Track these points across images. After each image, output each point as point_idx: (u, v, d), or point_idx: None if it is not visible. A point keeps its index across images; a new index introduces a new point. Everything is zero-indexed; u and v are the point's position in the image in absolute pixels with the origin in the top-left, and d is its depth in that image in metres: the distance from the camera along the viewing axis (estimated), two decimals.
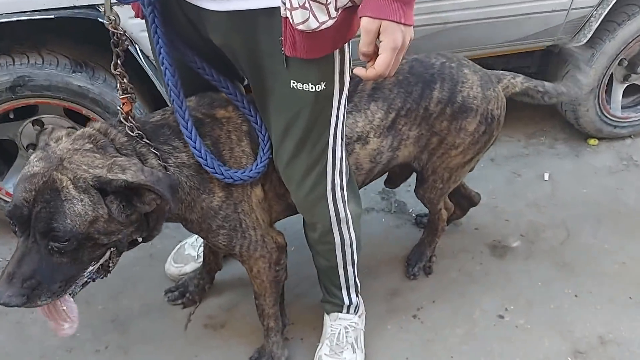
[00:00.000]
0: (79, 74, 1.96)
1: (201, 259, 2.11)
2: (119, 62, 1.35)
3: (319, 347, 1.90)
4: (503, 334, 2.01)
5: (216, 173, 1.44)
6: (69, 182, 1.23)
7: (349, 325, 1.89)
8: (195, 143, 1.41)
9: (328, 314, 1.91)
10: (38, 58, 1.91)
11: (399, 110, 1.68)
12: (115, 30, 1.31)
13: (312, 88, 1.32)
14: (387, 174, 2.02)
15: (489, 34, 2.39)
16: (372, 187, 2.57)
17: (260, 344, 1.91)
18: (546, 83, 1.95)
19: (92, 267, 1.33)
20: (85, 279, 1.34)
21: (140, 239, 1.42)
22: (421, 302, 2.12)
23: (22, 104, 1.98)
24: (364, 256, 2.24)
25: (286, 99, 1.36)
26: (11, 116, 2.07)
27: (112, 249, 1.35)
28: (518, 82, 1.90)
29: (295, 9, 1.16)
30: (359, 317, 1.94)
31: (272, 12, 1.23)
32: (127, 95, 1.37)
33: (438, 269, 2.25)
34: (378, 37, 1.15)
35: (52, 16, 1.79)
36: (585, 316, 2.06)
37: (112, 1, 1.28)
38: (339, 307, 1.89)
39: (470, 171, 2.00)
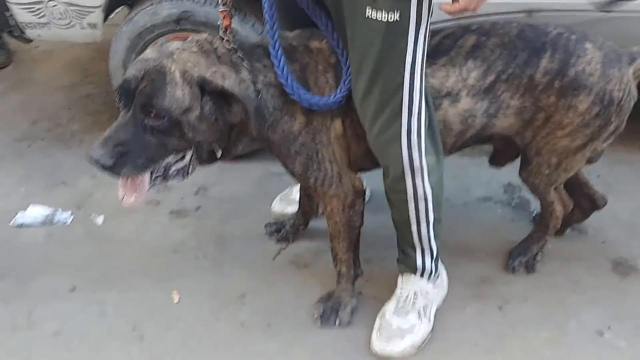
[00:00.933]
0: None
1: None
2: None
3: (387, 302, 1.89)
4: (596, 351, 1.79)
5: (294, 95, 1.53)
6: (177, 70, 1.41)
7: (419, 291, 1.85)
8: (279, 63, 1.51)
9: (401, 274, 1.89)
10: None
11: (499, 74, 1.62)
12: None
13: (384, 17, 1.34)
14: (492, 151, 1.92)
15: None
16: (497, 178, 2.48)
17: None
18: None
19: (172, 160, 1.49)
20: (163, 173, 1.50)
21: (219, 154, 1.56)
22: (511, 296, 1.97)
23: (182, 36, 2.28)
24: (464, 239, 2.19)
25: (361, 29, 1.41)
26: None
27: (192, 151, 1.50)
28: None
29: None
30: (434, 288, 1.88)
31: None
32: (226, 9, 1.51)
33: (544, 270, 2.06)
34: None
35: None
36: None
37: None
38: (411, 268, 1.85)
39: (589, 163, 1.81)
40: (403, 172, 1.63)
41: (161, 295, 2.02)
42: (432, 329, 1.84)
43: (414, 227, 1.75)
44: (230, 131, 1.53)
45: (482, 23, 1.67)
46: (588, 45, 1.62)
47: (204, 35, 1.55)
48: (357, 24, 1.42)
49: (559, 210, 1.97)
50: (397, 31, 1.39)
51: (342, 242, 1.81)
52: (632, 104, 1.68)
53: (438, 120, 1.64)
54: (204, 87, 1.42)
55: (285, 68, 1.52)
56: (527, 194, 2.41)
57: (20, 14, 2.39)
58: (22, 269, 2.13)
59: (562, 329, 1.85)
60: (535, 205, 2.34)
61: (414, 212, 1.71)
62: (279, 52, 1.52)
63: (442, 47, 1.64)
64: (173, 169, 1.53)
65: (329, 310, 1.88)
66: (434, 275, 1.88)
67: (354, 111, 1.61)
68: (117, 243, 2.25)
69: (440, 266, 1.93)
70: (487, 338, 1.84)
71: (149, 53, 1.48)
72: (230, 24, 1.53)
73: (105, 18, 2.46)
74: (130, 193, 1.48)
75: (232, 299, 1.99)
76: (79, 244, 2.25)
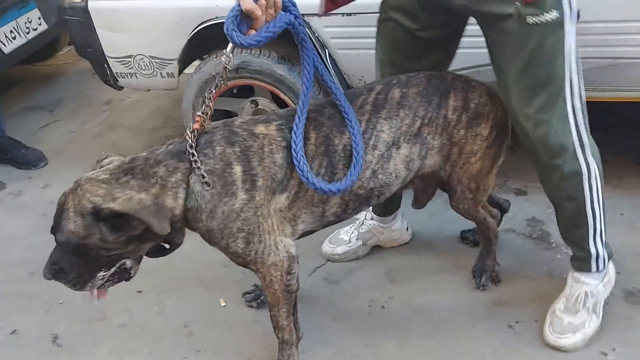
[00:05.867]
0: (282, 65, 2.60)
1: (352, 243, 2.47)
2: (214, 90, 1.68)
3: (556, 300, 2.07)
4: None
5: (309, 184, 1.68)
6: (72, 204, 1.57)
7: (589, 291, 2.02)
8: (297, 153, 1.67)
9: (572, 272, 2.07)
10: (256, 50, 2.61)
11: (422, 119, 1.84)
12: (226, 66, 1.64)
13: (545, 18, 1.64)
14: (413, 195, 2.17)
15: None
16: (520, 214, 2.64)
17: (365, 306, 2.20)
18: None
19: (106, 272, 1.66)
20: (103, 280, 1.68)
21: (167, 246, 1.75)
22: (523, 317, 2.13)
23: (241, 82, 2.68)
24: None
25: (514, 31, 1.69)
26: (235, 91, 2.81)
27: (125, 259, 1.68)
28: None
29: None
30: (604, 285, 2.06)
31: None
32: (202, 116, 1.68)
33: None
34: None
35: None
36: None
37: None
38: (585, 263, 2.02)
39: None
40: (575, 151, 1.84)
41: (211, 300, 2.35)
42: (600, 322, 2.02)
43: (588, 210, 1.92)
44: (143, 237, 1.62)
45: (399, 77, 1.90)
46: (474, 83, 1.93)
47: (129, 157, 1.72)
48: (509, 27, 1.70)
49: (491, 221, 2.21)
50: (557, 25, 1.68)
51: (282, 309, 1.88)
52: None
53: (391, 172, 1.86)
54: (97, 215, 1.55)
55: (301, 157, 1.67)
56: (547, 227, 2.56)
57: (115, 65, 2.92)
58: None
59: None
60: (555, 238, 2.49)
61: (589, 193, 1.89)
62: (299, 144, 1.68)
63: (379, 103, 1.84)
64: (105, 273, 1.68)
65: None
66: (606, 263, 2.04)
67: (301, 185, 1.74)
68: (179, 257, 2.60)
69: (610, 264, 2.10)
70: (497, 354, 2.01)
71: (71, 184, 1.65)
72: (199, 127, 1.69)
73: (182, 70, 2.94)
74: (92, 293, 1.71)
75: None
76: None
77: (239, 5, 1.55)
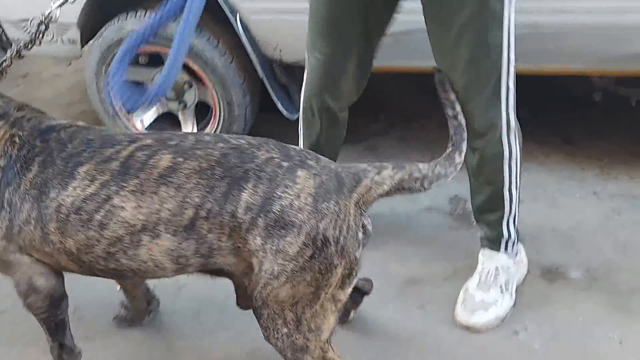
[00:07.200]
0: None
1: None
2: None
3: (470, 278, 2.00)
4: (507, 349, 1.82)
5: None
6: None
7: (500, 266, 1.96)
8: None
9: (482, 249, 2.02)
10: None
11: (197, 209, 1.30)
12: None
13: None
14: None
15: (591, 46, 2.20)
16: (442, 192, 2.53)
17: None
18: (420, 165, 1.46)
19: None
20: None
21: None
22: (434, 297, 2.03)
23: (151, 49, 2.48)
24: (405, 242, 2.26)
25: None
26: (144, 61, 2.61)
27: None
28: (386, 176, 1.39)
29: None
30: (514, 263, 2.00)
31: None
32: None
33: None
34: None
35: None
36: None
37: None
38: (495, 244, 1.98)
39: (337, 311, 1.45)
40: (501, 134, 1.74)
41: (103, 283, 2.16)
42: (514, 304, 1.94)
43: (506, 194, 1.87)
44: None
45: (186, 135, 1.42)
46: (300, 173, 1.31)
47: None
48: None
49: None
50: None
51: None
52: (361, 239, 1.38)
53: (146, 260, 1.38)
54: None
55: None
56: (469, 205, 2.46)
57: (11, 30, 2.67)
58: None
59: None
60: None
61: (508, 176, 1.84)
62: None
63: (134, 165, 1.34)
64: None
65: None
66: (515, 245, 1.99)
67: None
68: None
69: (519, 245, 2.05)
70: (404, 334, 1.91)
71: None
72: None
73: (88, 38, 2.71)
74: None
75: None
76: None
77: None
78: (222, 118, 2.62)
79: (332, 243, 1.29)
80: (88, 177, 1.36)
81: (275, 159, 1.33)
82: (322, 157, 1.43)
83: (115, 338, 1.95)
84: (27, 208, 1.40)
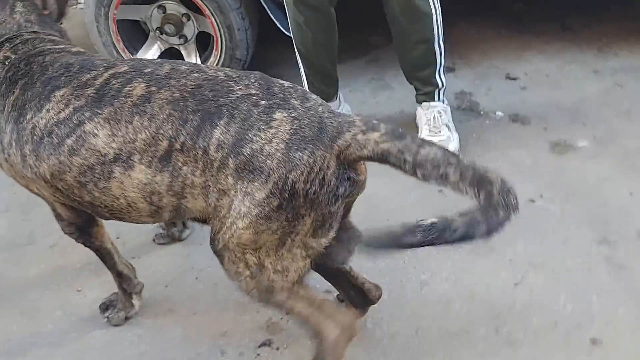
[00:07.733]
0: None
1: None
2: None
3: (418, 134, 2.24)
4: (525, 214, 1.92)
5: None
6: None
7: (441, 110, 2.28)
8: None
9: (420, 104, 2.32)
10: None
11: (171, 141, 1.24)
12: None
13: None
14: None
15: None
16: (449, 90, 2.58)
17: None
18: (424, 149, 1.19)
19: None
20: None
21: None
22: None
23: None
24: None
25: None
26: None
27: None
28: (371, 139, 1.20)
29: None
30: (446, 105, 2.32)
31: None
32: None
33: (485, 157, 2.16)
34: None
35: None
36: (633, 212, 1.86)
37: None
38: (430, 95, 2.29)
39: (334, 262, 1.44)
40: None
41: None
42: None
43: (436, 47, 2.18)
44: None
45: (162, 63, 1.34)
46: (277, 115, 1.21)
47: None
48: None
49: (330, 331, 1.38)
50: None
51: None
52: (342, 193, 1.23)
53: (115, 196, 1.33)
54: None
55: None
56: (475, 97, 2.55)
57: None
58: None
59: None
60: (483, 107, 2.48)
61: (436, 31, 2.14)
62: None
63: (108, 92, 1.30)
64: None
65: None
66: (445, 92, 2.31)
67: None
68: None
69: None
70: None
71: None
72: None
73: None
74: None
75: None
76: None
77: None
78: (224, 45, 2.64)
79: (301, 196, 1.19)
80: (63, 101, 1.33)
81: (253, 96, 1.23)
82: (312, 96, 1.29)
83: (160, 253, 2.07)
84: (9, 130, 1.40)
